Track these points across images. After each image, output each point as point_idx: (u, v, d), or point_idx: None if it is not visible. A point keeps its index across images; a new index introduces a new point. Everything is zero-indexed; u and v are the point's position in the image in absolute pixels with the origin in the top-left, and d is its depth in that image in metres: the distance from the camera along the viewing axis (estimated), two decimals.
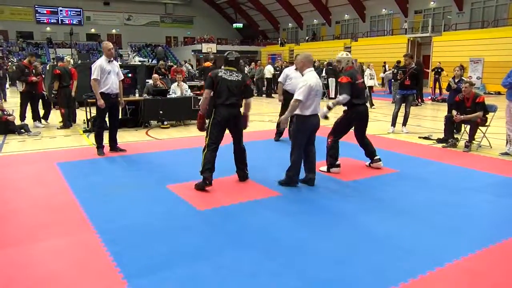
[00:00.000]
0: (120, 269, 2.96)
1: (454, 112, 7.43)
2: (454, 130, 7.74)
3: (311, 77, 4.72)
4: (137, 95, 9.72)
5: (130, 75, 9.82)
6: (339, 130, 5.66)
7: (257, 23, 45.80)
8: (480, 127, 7.21)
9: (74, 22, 41.46)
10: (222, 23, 47.70)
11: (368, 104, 7.63)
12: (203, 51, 36.99)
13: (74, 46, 36.93)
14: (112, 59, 6.64)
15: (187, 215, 4.05)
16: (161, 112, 9.37)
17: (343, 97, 5.39)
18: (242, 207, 4.28)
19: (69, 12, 41.67)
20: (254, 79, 18.56)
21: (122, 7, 42.73)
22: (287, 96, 7.16)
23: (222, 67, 4.99)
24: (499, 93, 19.45)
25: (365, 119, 5.71)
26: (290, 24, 42.01)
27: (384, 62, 22.10)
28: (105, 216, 4.02)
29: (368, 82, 14.42)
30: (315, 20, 38.75)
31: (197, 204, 4.34)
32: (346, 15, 35.41)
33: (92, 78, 6.36)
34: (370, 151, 5.87)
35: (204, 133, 5.07)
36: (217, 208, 4.23)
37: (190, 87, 11.66)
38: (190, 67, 22.39)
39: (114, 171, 5.72)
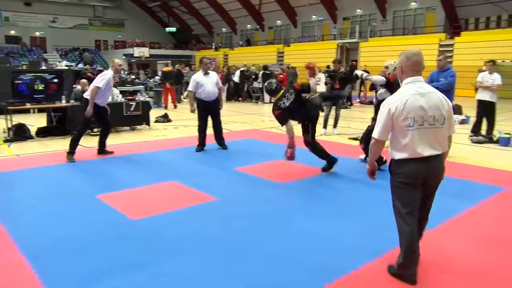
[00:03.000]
0: (45, 286, 2.77)
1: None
2: None
3: (402, 95, 2.75)
4: (63, 101, 9.21)
5: (56, 80, 9.27)
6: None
7: (191, 27, 45.43)
8: None
9: None
10: (154, 26, 46.72)
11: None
12: (135, 55, 36.01)
13: None
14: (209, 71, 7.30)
15: (120, 226, 3.89)
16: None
17: (380, 79, 5.79)
18: (178, 214, 4.20)
19: None
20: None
21: (46, 8, 40.27)
22: (202, 105, 7.23)
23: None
24: None
25: None
26: (224, 29, 42.15)
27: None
28: (28, 231, 3.75)
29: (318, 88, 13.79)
30: (248, 25, 39.22)
31: (130, 213, 4.19)
32: (278, 21, 36.23)
33: (95, 85, 6.51)
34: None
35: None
36: (152, 217, 4.11)
37: (122, 92, 11.27)
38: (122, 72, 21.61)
39: (40, 183, 5.36)
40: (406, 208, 2.82)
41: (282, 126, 5.51)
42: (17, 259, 3.18)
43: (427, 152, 2.71)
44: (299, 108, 5.53)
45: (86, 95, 6.63)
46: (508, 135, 8.08)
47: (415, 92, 2.73)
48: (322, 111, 5.56)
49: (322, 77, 12.90)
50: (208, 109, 7.28)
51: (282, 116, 5.41)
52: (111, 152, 6.99)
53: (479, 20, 25.41)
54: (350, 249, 3.39)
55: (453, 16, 25.33)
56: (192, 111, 7.33)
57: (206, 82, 7.16)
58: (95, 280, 2.87)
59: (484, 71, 8.65)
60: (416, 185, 2.79)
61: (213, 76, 7.35)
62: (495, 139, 8.12)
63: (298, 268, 3.06)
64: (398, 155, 2.79)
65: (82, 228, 3.81)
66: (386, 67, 6.16)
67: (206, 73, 7.24)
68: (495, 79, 8.12)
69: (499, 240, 3.55)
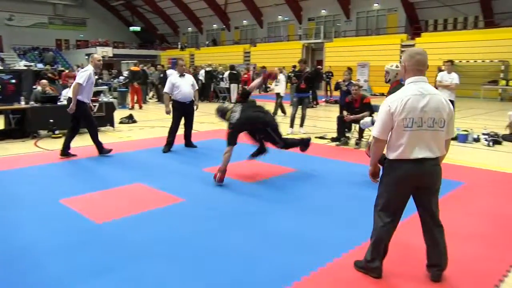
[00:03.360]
0: None
1: (345, 113, 8.02)
2: (346, 129, 8.35)
3: (403, 95, 2.70)
4: (22, 102, 8.87)
5: (13, 81, 8.91)
6: None
7: (156, 26, 44.73)
8: None
9: None
10: (118, 26, 45.69)
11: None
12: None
13: None
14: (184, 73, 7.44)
15: (84, 230, 3.79)
16: (51, 120, 8.66)
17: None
18: (144, 217, 4.14)
19: None
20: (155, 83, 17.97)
21: (1, 5, 38.52)
22: (177, 106, 7.34)
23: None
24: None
25: None
26: (189, 28, 41.76)
27: (283, 67, 22.94)
28: None
29: (275, 89, 12.47)
30: (214, 25, 39.03)
31: (95, 217, 4.08)
32: (244, 21, 36.24)
33: (76, 82, 6.57)
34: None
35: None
36: (117, 220, 4.03)
37: None
38: None
39: (0, 188, 5.14)
40: (387, 208, 2.83)
41: (227, 146, 5.32)
42: None
43: (422, 154, 2.66)
44: (251, 113, 5.50)
45: (69, 93, 6.66)
46: (466, 132, 8.43)
47: (416, 92, 2.67)
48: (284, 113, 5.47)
49: (282, 77, 12.93)
50: (183, 110, 7.38)
51: (232, 135, 5.35)
52: (74, 155, 6.82)
53: (438, 22, 26.36)
54: (318, 246, 3.44)
55: (413, 17, 26.15)
56: (168, 112, 7.38)
57: (182, 84, 7.29)
58: None
59: (443, 70, 8.98)
60: (406, 187, 2.76)
61: (189, 78, 7.52)
62: (454, 136, 8.43)
63: (267, 267, 3.07)
64: (392, 155, 2.74)
65: (45, 235, 3.68)
66: (387, 72, 5.37)
67: (181, 75, 7.39)
68: (454, 78, 8.45)
69: (458, 234, 3.70)
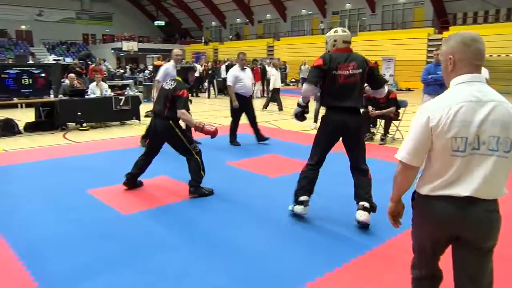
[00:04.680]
0: (38, 283, 2.76)
1: (370, 108, 7.91)
2: (371, 125, 8.24)
3: (451, 100, 1.80)
4: (52, 96, 9.11)
5: (43, 75, 9.15)
6: (314, 145, 3.97)
7: (180, 21, 45.08)
8: (393, 121, 7.76)
9: None
10: (143, 20, 46.26)
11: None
12: (123, 49, 35.65)
13: None
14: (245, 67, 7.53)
15: (110, 221, 3.88)
16: (79, 113, 8.87)
17: (303, 88, 3.76)
18: (168, 209, 4.20)
19: None
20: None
21: (31, 1, 39.50)
22: (239, 100, 7.28)
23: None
24: (409, 90, 21.07)
25: (346, 131, 3.75)
26: (213, 22, 41.90)
27: (278, 59, 22.51)
28: (19, 226, 3.71)
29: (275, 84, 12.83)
30: (238, 19, 39.05)
31: (121, 208, 4.17)
32: (268, 15, 36.12)
33: (156, 79, 7.06)
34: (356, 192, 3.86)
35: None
36: (143, 212, 4.10)
37: (111, 86, 11.17)
38: (110, 66, 21.42)
39: (29, 178, 5.30)
40: (419, 270, 2.05)
41: None
42: (9, 256, 3.15)
43: (470, 190, 1.75)
44: None
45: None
46: None
47: (472, 98, 1.75)
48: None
49: (274, 72, 13.01)
50: (244, 104, 7.36)
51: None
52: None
53: (467, 15, 25.63)
54: (335, 246, 3.42)
55: (441, 11, 25.51)
56: (235, 106, 7.29)
57: (245, 77, 7.36)
58: (84, 277, 2.85)
59: None
60: (439, 239, 1.91)
61: (249, 72, 7.65)
62: None
63: (285, 263, 3.08)
64: (427, 189, 1.84)
65: (73, 224, 3.78)
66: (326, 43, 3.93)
67: (243, 68, 7.45)
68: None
69: None
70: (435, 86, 7.08)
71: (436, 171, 1.81)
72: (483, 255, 1.85)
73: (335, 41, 3.68)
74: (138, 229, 3.69)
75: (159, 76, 6.99)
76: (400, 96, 8.35)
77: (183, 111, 4.39)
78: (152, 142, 4.74)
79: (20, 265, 3.00)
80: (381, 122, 8.06)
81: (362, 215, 3.60)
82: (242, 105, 7.28)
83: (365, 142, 7.85)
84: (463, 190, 1.75)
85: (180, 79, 4.63)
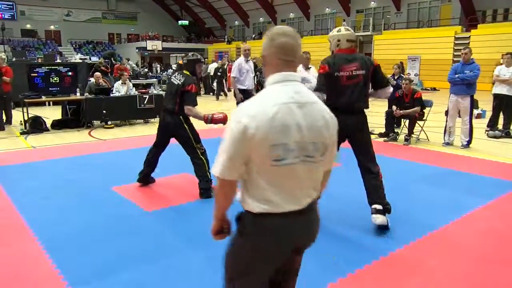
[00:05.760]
0: (64, 277, 2.83)
1: (394, 108, 7.78)
2: (395, 125, 8.11)
3: (267, 103, 1.59)
4: (78, 94, 9.33)
5: (70, 73, 9.38)
6: None
7: (203, 20, 45.40)
8: (418, 121, 7.62)
9: (6, 17, 38.79)
10: (167, 20, 46.80)
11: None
12: (148, 49, 36.16)
13: (7, 43, 34.67)
14: (249, 59, 7.48)
15: (134, 217, 3.94)
16: (104, 111, 9.04)
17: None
18: (191, 206, 4.24)
19: (0, 6, 38.98)
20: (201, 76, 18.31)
21: (60, 2, 40.54)
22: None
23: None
24: (434, 89, 20.63)
25: (349, 131, 3.64)
26: (236, 22, 42.03)
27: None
28: (46, 221, 3.82)
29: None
30: (261, 18, 39.05)
31: (144, 205, 4.24)
32: (291, 14, 35.99)
33: (231, 76, 7.30)
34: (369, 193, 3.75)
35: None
36: (166, 209, 4.16)
37: (135, 85, 11.36)
38: (134, 65, 21.75)
39: (56, 174, 5.44)
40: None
41: None
42: (37, 250, 3.25)
43: (298, 202, 1.63)
44: None
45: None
46: None
47: (290, 99, 1.57)
48: None
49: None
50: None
51: None
52: None
53: (497, 12, 24.88)
54: (364, 244, 3.39)
55: (469, 8, 24.83)
56: (240, 99, 7.24)
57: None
58: (109, 273, 2.91)
59: (501, 64, 8.49)
60: (274, 260, 1.70)
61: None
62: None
63: (313, 261, 3.06)
64: (258, 206, 1.60)
65: (97, 220, 3.86)
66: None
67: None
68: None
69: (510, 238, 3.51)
70: (462, 85, 6.93)
71: (254, 183, 1.59)
72: (301, 256, 1.90)
73: (338, 40, 3.65)
74: (161, 226, 3.74)
75: (234, 73, 7.27)
76: (426, 96, 8.19)
77: (190, 107, 4.31)
78: (161, 136, 4.70)
79: (47, 259, 3.08)
80: (405, 122, 7.92)
81: (377, 218, 3.57)
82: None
83: (389, 142, 7.77)
84: (298, 203, 1.62)
85: (188, 73, 4.50)
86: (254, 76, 7.68)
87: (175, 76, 4.55)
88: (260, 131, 1.51)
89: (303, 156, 1.58)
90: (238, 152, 1.55)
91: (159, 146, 4.74)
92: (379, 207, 3.59)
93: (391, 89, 3.80)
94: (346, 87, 3.54)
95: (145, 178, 4.88)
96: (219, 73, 17.00)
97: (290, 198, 1.60)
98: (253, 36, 38.79)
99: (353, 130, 3.63)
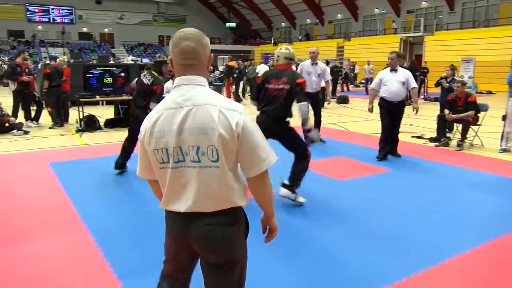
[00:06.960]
0: (113, 269, 2.95)
1: (446, 111, 7.48)
2: (447, 129, 7.80)
3: (158, 108, 1.71)
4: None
5: (122, 74, 9.76)
6: None
7: (250, 22, 45.80)
8: (472, 126, 7.27)
9: (66, 21, 41.13)
10: (215, 22, 47.61)
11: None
12: None
13: (66, 45, 36.70)
14: (317, 61, 7.38)
15: None
16: None
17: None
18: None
19: (61, 11, 41.32)
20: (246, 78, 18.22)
21: (114, 6, 42.47)
22: (384, 105, 6.26)
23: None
24: (490, 92, 19.62)
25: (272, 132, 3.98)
26: (283, 23, 42.05)
27: (368, 60, 21.78)
28: (98, 215, 4.00)
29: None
30: (308, 20, 38.83)
31: None
32: (339, 15, 35.52)
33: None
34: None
35: None
36: None
37: None
38: None
39: (108, 170, 5.67)
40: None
41: None
42: (89, 243, 3.41)
43: (186, 206, 1.64)
44: None
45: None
46: None
47: (172, 105, 1.60)
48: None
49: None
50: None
51: None
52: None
53: None
54: (413, 251, 3.28)
55: None
56: (370, 110, 6.67)
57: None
58: (158, 267, 2.98)
59: None
60: (177, 252, 1.88)
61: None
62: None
63: (358, 266, 3.00)
64: (162, 204, 1.79)
65: (146, 216, 3.98)
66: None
67: (392, 70, 6.25)
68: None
69: None
70: None
71: (162, 185, 1.71)
72: (219, 272, 1.73)
73: (278, 57, 4.21)
74: None
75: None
76: (481, 99, 7.81)
77: (154, 104, 4.85)
78: (132, 128, 5.44)
79: (99, 252, 3.22)
80: (458, 127, 7.59)
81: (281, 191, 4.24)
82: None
83: (440, 148, 7.50)
84: (181, 205, 1.65)
85: (155, 73, 5.26)
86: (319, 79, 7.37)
87: (144, 75, 5.30)
88: (145, 137, 1.65)
89: (189, 161, 1.60)
90: (141, 155, 1.74)
91: (133, 138, 5.38)
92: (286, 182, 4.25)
93: (305, 106, 4.19)
94: (273, 97, 4.08)
95: (123, 165, 5.53)
96: (235, 75, 16.57)
97: (175, 200, 1.67)
98: (300, 37, 38.63)
99: (278, 133, 4.12)
